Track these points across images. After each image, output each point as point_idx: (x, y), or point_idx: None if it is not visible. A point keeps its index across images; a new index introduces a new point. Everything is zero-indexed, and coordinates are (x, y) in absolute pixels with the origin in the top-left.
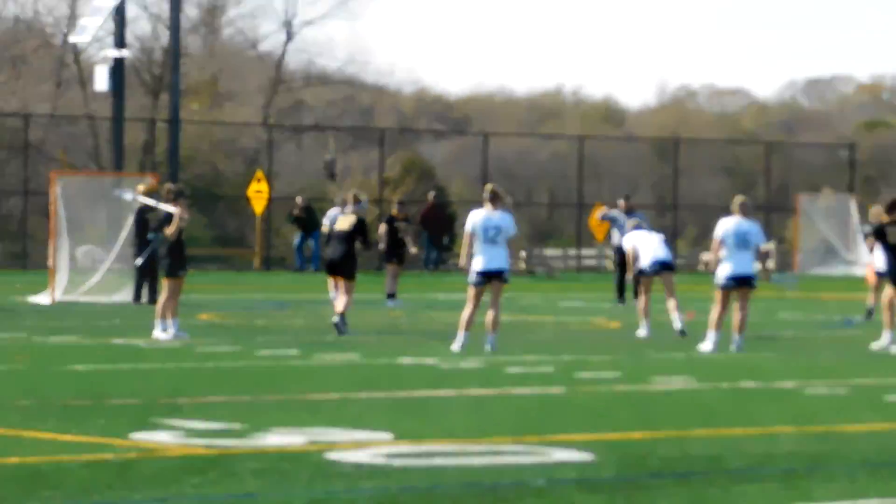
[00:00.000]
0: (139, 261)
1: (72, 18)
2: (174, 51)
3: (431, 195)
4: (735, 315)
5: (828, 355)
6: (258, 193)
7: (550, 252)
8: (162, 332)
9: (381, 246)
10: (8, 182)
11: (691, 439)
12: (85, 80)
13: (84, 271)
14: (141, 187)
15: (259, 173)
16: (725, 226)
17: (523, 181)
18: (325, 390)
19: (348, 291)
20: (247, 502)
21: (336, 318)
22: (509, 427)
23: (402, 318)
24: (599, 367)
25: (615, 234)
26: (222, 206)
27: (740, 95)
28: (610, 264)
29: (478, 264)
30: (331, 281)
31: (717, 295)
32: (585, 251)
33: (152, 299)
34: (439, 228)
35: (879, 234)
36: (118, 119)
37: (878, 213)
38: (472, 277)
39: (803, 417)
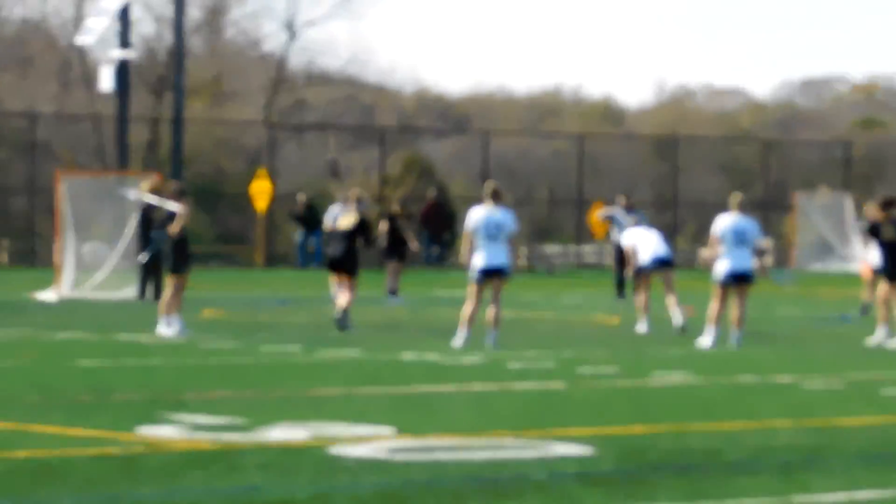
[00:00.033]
0: (143, 258)
1: (77, 20)
2: (178, 51)
3: (432, 193)
4: (733, 311)
5: (824, 350)
6: (261, 191)
7: (551, 249)
8: (166, 329)
9: (382, 243)
10: (15, 181)
11: (690, 433)
12: (90, 80)
13: (90, 268)
14: (145, 185)
15: (261, 171)
16: (723, 223)
17: (523, 179)
18: (327, 386)
19: (351, 288)
20: (250, 496)
21: (338, 315)
22: (510, 422)
23: (403, 315)
24: (599, 363)
25: (615, 232)
26: (225, 204)
27: (737, 95)
28: (610, 260)
29: (479, 261)
30: (333, 278)
31: (716, 291)
32: (585, 248)
33: (157, 296)
34: (440, 226)
35: (874, 231)
36: (122, 118)
37: (873, 210)
38: (474, 274)
39: (800, 411)
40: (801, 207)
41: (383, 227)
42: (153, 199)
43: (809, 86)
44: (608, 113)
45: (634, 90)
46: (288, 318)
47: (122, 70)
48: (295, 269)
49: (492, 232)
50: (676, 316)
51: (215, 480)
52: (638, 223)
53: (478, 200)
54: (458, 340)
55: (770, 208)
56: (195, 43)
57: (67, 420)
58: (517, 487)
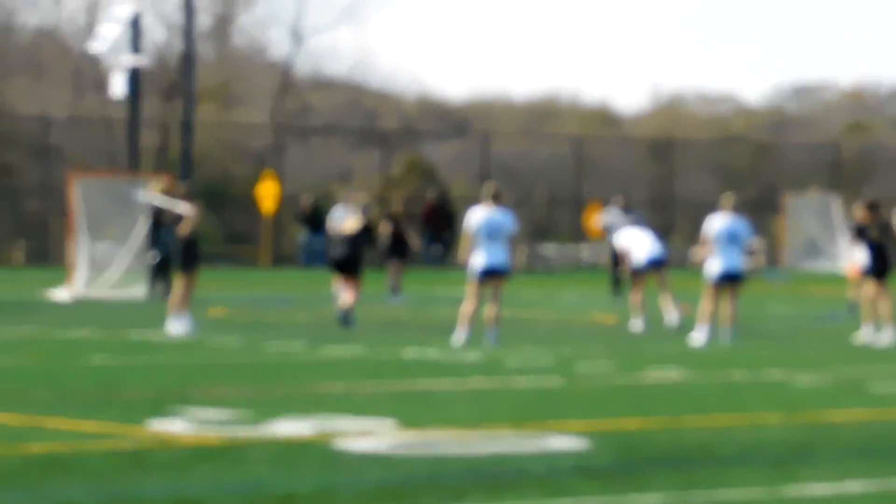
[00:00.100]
0: (153, 258)
1: (90, 28)
2: (188, 58)
3: (433, 194)
4: (725, 309)
5: (814, 347)
6: (268, 193)
7: (549, 248)
8: (175, 327)
9: (385, 243)
10: (29, 183)
11: (684, 428)
12: (102, 85)
13: (102, 268)
14: (155, 187)
15: (268, 174)
16: (715, 223)
17: (522, 181)
18: (330, 382)
19: (355, 288)
20: (256, 489)
21: (341, 313)
22: (509, 417)
23: (405, 313)
24: (596, 360)
25: (611, 232)
26: (232, 206)
27: (730, 100)
28: (607, 260)
29: (480, 261)
30: (336, 278)
31: (708, 289)
32: (583, 247)
33: (166, 295)
34: (440, 226)
35: (860, 233)
36: (134, 123)
37: (860, 212)
38: (474, 273)
39: (791, 406)
40: (790, 208)
41: (386, 227)
42: (163, 201)
43: (799, 92)
44: (605, 117)
45: (630, 95)
46: (293, 316)
47: (134, 76)
48: (300, 268)
49: (492, 232)
50: (671, 314)
51: (222, 474)
52: (633, 223)
53: (478, 201)
54: (459, 338)
55: (761, 209)
56: (204, 49)
57: (79, 415)
58: (516, 481)
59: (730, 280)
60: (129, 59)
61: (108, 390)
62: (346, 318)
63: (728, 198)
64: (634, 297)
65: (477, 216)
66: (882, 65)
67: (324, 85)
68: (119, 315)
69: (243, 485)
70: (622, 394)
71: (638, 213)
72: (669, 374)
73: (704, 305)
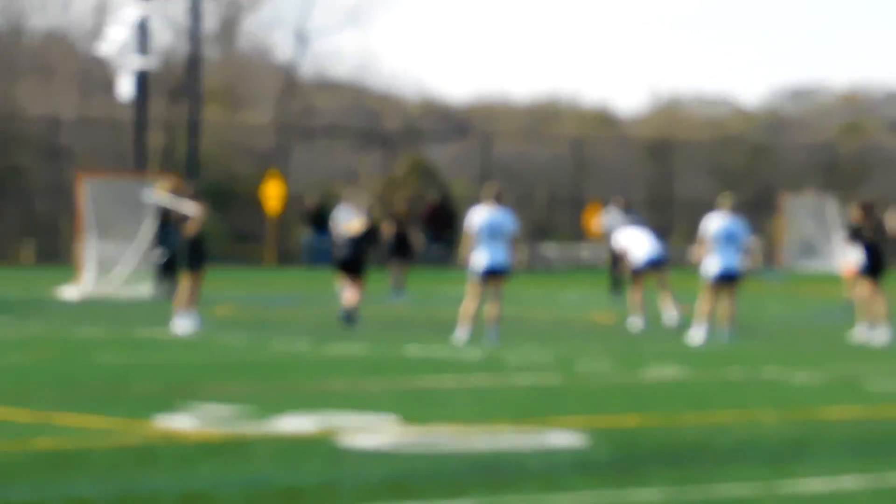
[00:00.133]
0: (160, 257)
1: (98, 30)
2: (194, 60)
3: (435, 195)
4: (723, 307)
5: (810, 346)
6: (273, 193)
7: (549, 248)
8: (182, 324)
9: (388, 243)
10: (39, 183)
11: (682, 425)
12: (110, 87)
13: (109, 267)
14: (162, 187)
15: (272, 174)
16: (713, 223)
17: (523, 181)
18: (334, 379)
19: (358, 288)
20: (261, 484)
21: (345, 312)
22: (510, 413)
23: (407, 311)
24: (595, 357)
25: (612, 233)
26: (238, 205)
27: (727, 102)
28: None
29: (481, 260)
30: (340, 277)
31: (706, 288)
32: (582, 247)
33: (172, 293)
34: (442, 226)
35: (856, 233)
36: (141, 124)
37: (855, 213)
38: (475, 272)
39: (786, 403)
40: (787, 209)
41: (388, 227)
42: (170, 201)
43: (796, 94)
44: (604, 119)
45: (629, 97)
46: (297, 314)
47: (141, 78)
48: (304, 268)
49: (493, 232)
50: (669, 313)
51: (227, 469)
52: (633, 224)
53: (479, 201)
54: (460, 336)
55: (758, 209)
56: (210, 52)
57: (87, 411)
58: (516, 476)
59: (727, 279)
60: (136, 62)
61: (115, 387)
62: (349, 317)
63: (726, 198)
64: (634, 296)
65: (478, 216)
66: (877, 67)
67: (328, 87)
68: (126, 313)
69: (248, 480)
70: (621, 391)
71: (637, 213)
72: (668, 371)
73: (702, 304)
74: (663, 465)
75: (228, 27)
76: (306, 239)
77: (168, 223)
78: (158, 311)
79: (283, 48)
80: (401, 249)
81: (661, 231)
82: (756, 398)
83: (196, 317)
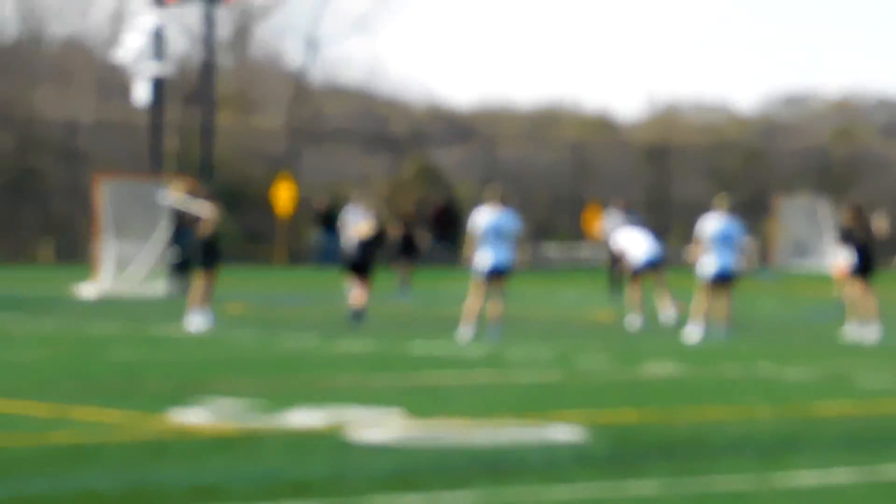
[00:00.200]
0: (174, 256)
1: (115, 38)
2: (208, 66)
3: (440, 197)
4: (719, 306)
5: (803, 343)
6: (284, 195)
7: (550, 249)
8: (195, 322)
9: (395, 243)
10: (58, 185)
11: (678, 420)
12: (126, 93)
13: (125, 266)
14: (177, 189)
15: (283, 177)
16: (710, 224)
17: (525, 184)
18: (342, 374)
19: (366, 288)
20: (271, 477)
21: (352, 310)
22: (511, 408)
23: (413, 309)
24: (594, 354)
25: (611, 234)
26: (250, 207)
27: (723, 108)
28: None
29: (484, 260)
30: (349, 277)
31: (702, 287)
32: (582, 248)
33: (186, 291)
34: (447, 227)
35: (846, 234)
36: (156, 128)
37: (846, 215)
38: (479, 272)
39: (780, 399)
40: (781, 211)
41: (395, 228)
42: (184, 202)
43: (789, 100)
44: (604, 124)
45: (628, 103)
46: (306, 312)
47: (156, 84)
48: (314, 267)
49: (496, 233)
50: (667, 311)
51: (239, 462)
52: (632, 225)
53: (483, 203)
54: (464, 333)
55: (753, 211)
56: (223, 58)
57: (103, 405)
58: (518, 469)
59: (723, 279)
60: (151, 68)
61: (130, 382)
62: (357, 316)
63: (721, 200)
64: (632, 295)
65: (482, 218)
66: (868, 75)
67: (337, 93)
68: (142, 311)
69: (259, 473)
70: (619, 387)
71: (636, 215)
72: (665, 368)
73: (699, 303)
74: (660, 458)
75: (241, 35)
76: (316, 239)
77: (182, 224)
78: (172, 309)
79: (293, 55)
80: (407, 249)
81: (659, 232)
82: (750, 394)
83: (209, 314)
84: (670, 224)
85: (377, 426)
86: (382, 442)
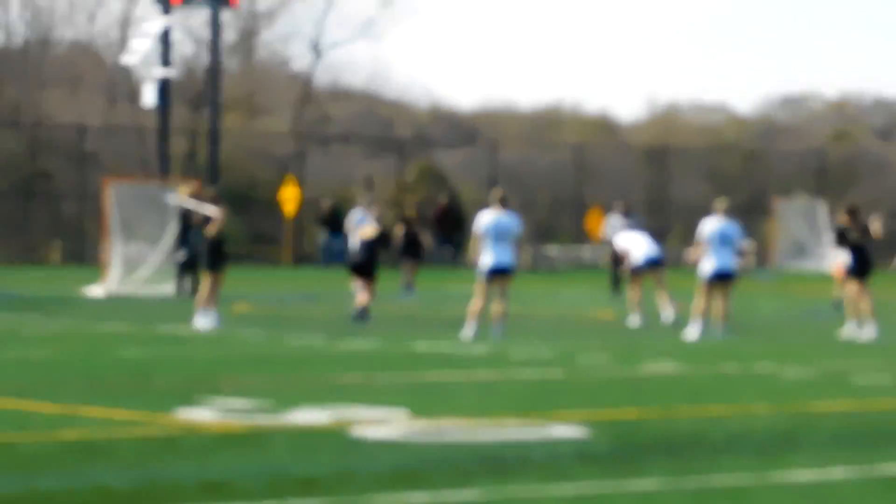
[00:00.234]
0: (182, 257)
1: (123, 41)
2: (214, 70)
3: (444, 198)
4: (717, 306)
5: (800, 342)
6: (290, 197)
7: (552, 249)
8: (202, 321)
9: (399, 244)
10: (66, 187)
11: (678, 417)
12: (134, 96)
13: (133, 267)
14: (184, 191)
15: (290, 179)
16: (709, 225)
17: (527, 185)
18: (348, 373)
19: (370, 289)
20: (278, 473)
21: (356, 310)
22: (514, 406)
23: (417, 309)
24: (595, 353)
25: (611, 235)
26: (256, 209)
27: (722, 110)
28: (606, 260)
29: (487, 261)
30: (354, 277)
31: (702, 287)
32: (584, 249)
33: (193, 291)
34: (451, 228)
35: (842, 235)
36: (164, 131)
37: (841, 216)
38: (482, 272)
39: (778, 397)
40: (779, 212)
41: (400, 229)
42: (191, 204)
43: (787, 102)
44: (604, 125)
45: (628, 105)
46: (312, 312)
47: (164, 87)
48: (319, 267)
49: (499, 234)
50: (666, 311)
51: (246, 459)
52: (632, 227)
53: (486, 205)
54: (467, 332)
55: (751, 213)
56: (230, 62)
57: (112, 404)
58: (520, 466)
59: (722, 279)
60: (159, 71)
61: (139, 381)
62: (361, 316)
63: (721, 202)
64: (632, 295)
65: (485, 219)
66: (865, 77)
67: (342, 95)
68: (150, 310)
69: (266, 469)
70: (620, 385)
71: (636, 216)
72: (664, 366)
73: (698, 303)
74: (660, 455)
75: (247, 39)
76: (321, 240)
77: (190, 225)
78: (180, 309)
79: (299, 59)
80: (411, 250)
81: (659, 233)
82: (749, 392)
83: (216, 314)
84: (670, 224)
85: (382, 424)
86: (387, 439)
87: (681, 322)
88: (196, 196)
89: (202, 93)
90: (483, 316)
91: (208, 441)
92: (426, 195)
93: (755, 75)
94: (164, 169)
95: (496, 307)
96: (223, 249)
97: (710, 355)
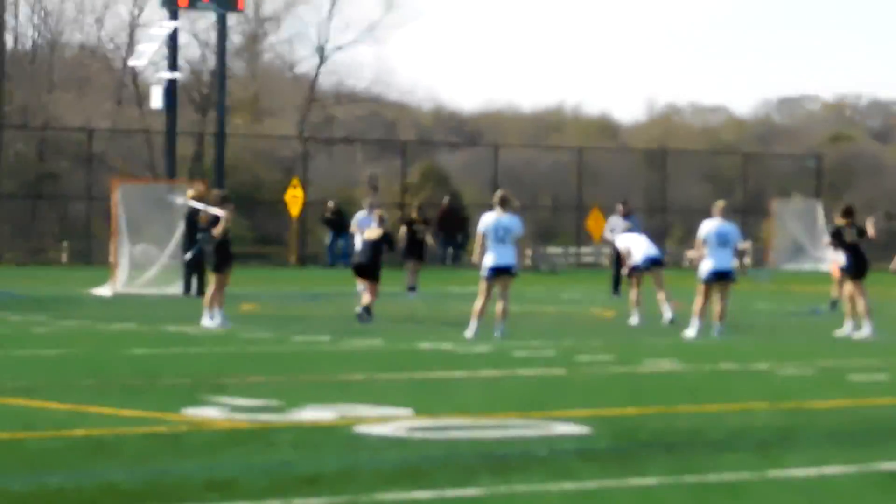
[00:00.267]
0: (188, 257)
1: (130, 45)
2: (221, 73)
3: (446, 200)
4: (716, 305)
5: (797, 340)
6: (295, 198)
7: (553, 250)
8: (209, 321)
9: (402, 244)
10: (74, 189)
11: (677, 414)
12: (142, 98)
13: (141, 267)
14: (190, 192)
15: (295, 180)
16: (708, 226)
17: (529, 187)
18: (352, 372)
19: (373, 290)
20: (284, 470)
21: (361, 310)
22: (516, 404)
23: (420, 309)
24: (596, 351)
25: (612, 236)
26: (262, 210)
27: (720, 112)
28: (607, 260)
29: (489, 261)
30: (358, 279)
31: (700, 287)
32: (584, 249)
33: (200, 291)
34: (454, 229)
35: (837, 235)
36: (171, 133)
37: (838, 217)
38: (484, 272)
39: (775, 395)
40: (777, 213)
41: (403, 230)
42: (198, 205)
43: (785, 104)
44: (605, 128)
45: (628, 108)
46: (317, 311)
47: (171, 89)
48: (324, 268)
49: (501, 235)
50: (666, 310)
51: (252, 456)
52: (631, 228)
53: (488, 206)
54: (470, 331)
55: (749, 214)
56: (236, 65)
57: (120, 402)
58: (522, 462)
59: (720, 279)
60: (166, 74)
61: (147, 379)
62: (365, 315)
63: (719, 203)
64: (632, 295)
65: (488, 220)
66: (861, 79)
67: (346, 98)
68: (157, 310)
69: (272, 466)
70: (620, 383)
71: (637, 219)
72: (664, 365)
73: (697, 302)
74: (660, 452)
75: (253, 42)
76: (326, 241)
77: (196, 226)
78: (187, 308)
79: (304, 62)
80: (415, 250)
81: (658, 234)
82: (747, 390)
83: (222, 313)
84: (669, 225)
85: (386, 422)
86: (391, 437)
87: (680, 321)
88: (202, 197)
89: (208, 95)
90: (486, 315)
91: (214, 439)
92: (429, 196)
93: (753, 78)
94: (170, 170)
95: (498, 306)
96: (229, 250)
97: (709, 354)
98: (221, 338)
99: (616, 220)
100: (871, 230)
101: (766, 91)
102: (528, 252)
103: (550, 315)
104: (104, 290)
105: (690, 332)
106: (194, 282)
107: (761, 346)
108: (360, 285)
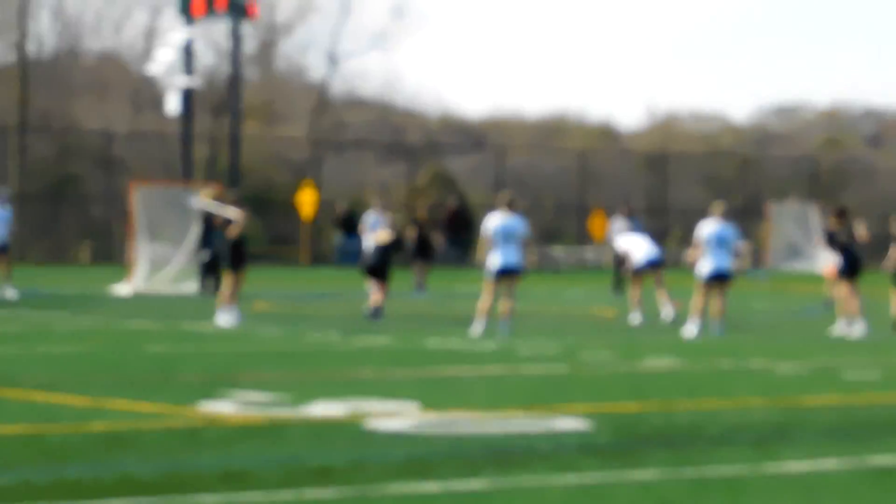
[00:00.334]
0: (204, 257)
1: (148, 52)
2: (235, 79)
3: (453, 202)
4: (714, 304)
5: (793, 339)
6: (307, 200)
7: (556, 250)
8: (224, 318)
9: (411, 245)
10: (94, 191)
11: (676, 410)
12: (159, 104)
13: (158, 266)
14: (206, 194)
15: (307, 183)
16: (706, 228)
17: (533, 189)
18: (362, 368)
19: (382, 290)
20: (295, 463)
21: (370, 309)
22: (520, 400)
23: (428, 307)
24: (598, 349)
25: (614, 237)
26: (275, 211)
27: (718, 118)
28: (608, 261)
29: (495, 261)
30: (367, 279)
31: (699, 287)
32: (586, 250)
33: (215, 290)
34: (460, 230)
35: (831, 238)
36: (187, 137)
37: (831, 219)
38: (490, 272)
39: (772, 392)
40: (773, 215)
41: (411, 231)
42: (213, 206)
43: (781, 111)
44: (607, 133)
45: (629, 114)
46: (328, 309)
47: (187, 95)
48: (335, 267)
49: (506, 236)
50: (666, 309)
51: (265, 449)
52: (634, 229)
53: (494, 208)
54: (476, 329)
55: (746, 216)
56: (250, 72)
57: (137, 397)
58: (526, 456)
59: (719, 279)
60: (182, 81)
61: (163, 375)
62: (375, 314)
63: (717, 205)
64: (633, 294)
65: (493, 221)
66: (855, 86)
67: (356, 103)
68: (174, 308)
69: (283, 459)
70: (621, 380)
71: (638, 220)
72: (664, 362)
73: (696, 301)
74: (660, 447)
75: (266, 49)
76: (337, 242)
77: (212, 227)
78: (203, 307)
79: (315, 69)
80: (423, 251)
81: (658, 235)
82: (744, 386)
83: (237, 311)
84: (668, 227)
85: (394, 416)
86: (399, 431)
87: (679, 320)
88: (218, 199)
89: (223, 101)
90: (491, 314)
91: (229, 432)
92: (436, 199)
93: (750, 86)
94: (187, 173)
95: (503, 305)
96: (244, 250)
97: (708, 352)
98: (236, 335)
99: (619, 222)
100: (862, 232)
101: (763, 99)
102: (534, 259)
103: (554, 314)
104: (123, 289)
105: (690, 330)
106: (210, 281)
107: (758, 344)
108: (370, 285)
